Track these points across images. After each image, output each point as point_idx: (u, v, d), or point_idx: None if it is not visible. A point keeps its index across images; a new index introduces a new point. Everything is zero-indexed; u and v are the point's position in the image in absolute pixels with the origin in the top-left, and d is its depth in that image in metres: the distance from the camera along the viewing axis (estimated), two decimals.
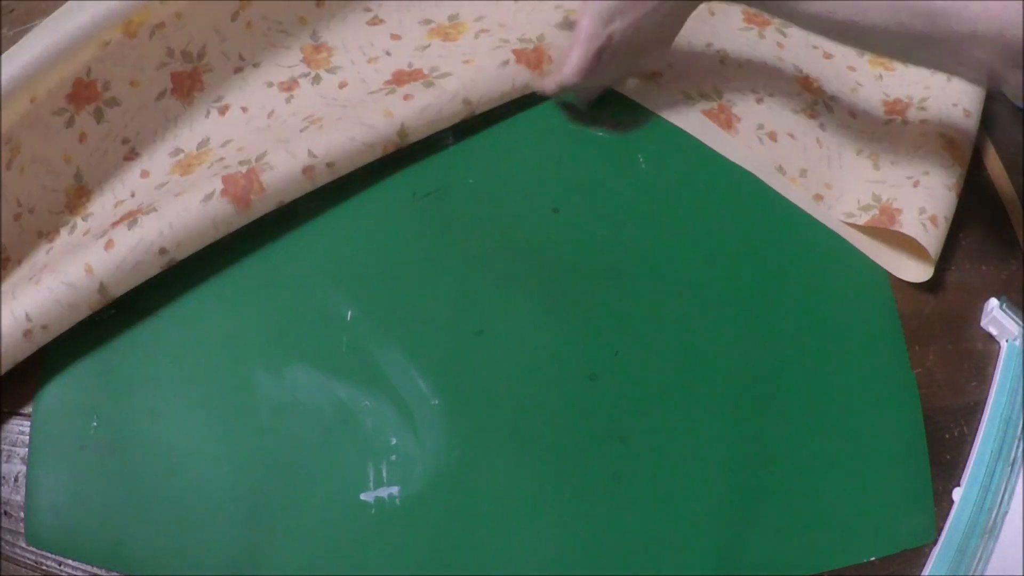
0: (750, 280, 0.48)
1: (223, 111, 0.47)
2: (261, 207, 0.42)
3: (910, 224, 0.48)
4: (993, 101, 0.56)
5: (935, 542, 0.40)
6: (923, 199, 0.49)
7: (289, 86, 0.48)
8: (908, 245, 0.49)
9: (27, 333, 0.38)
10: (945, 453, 0.45)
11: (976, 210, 0.53)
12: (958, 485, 0.43)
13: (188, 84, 0.46)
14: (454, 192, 0.47)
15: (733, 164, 0.51)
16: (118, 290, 0.40)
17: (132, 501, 0.39)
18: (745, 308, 0.47)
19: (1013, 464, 0.43)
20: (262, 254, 0.46)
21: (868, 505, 0.42)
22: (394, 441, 0.41)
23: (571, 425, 0.43)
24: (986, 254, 0.52)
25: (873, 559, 0.39)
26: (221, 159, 0.44)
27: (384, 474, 0.40)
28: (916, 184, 0.50)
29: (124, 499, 0.39)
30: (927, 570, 0.40)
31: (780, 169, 0.51)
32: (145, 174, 0.45)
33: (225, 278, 0.45)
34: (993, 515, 0.40)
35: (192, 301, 0.44)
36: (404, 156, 0.48)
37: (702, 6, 0.47)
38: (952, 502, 0.43)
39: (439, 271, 0.45)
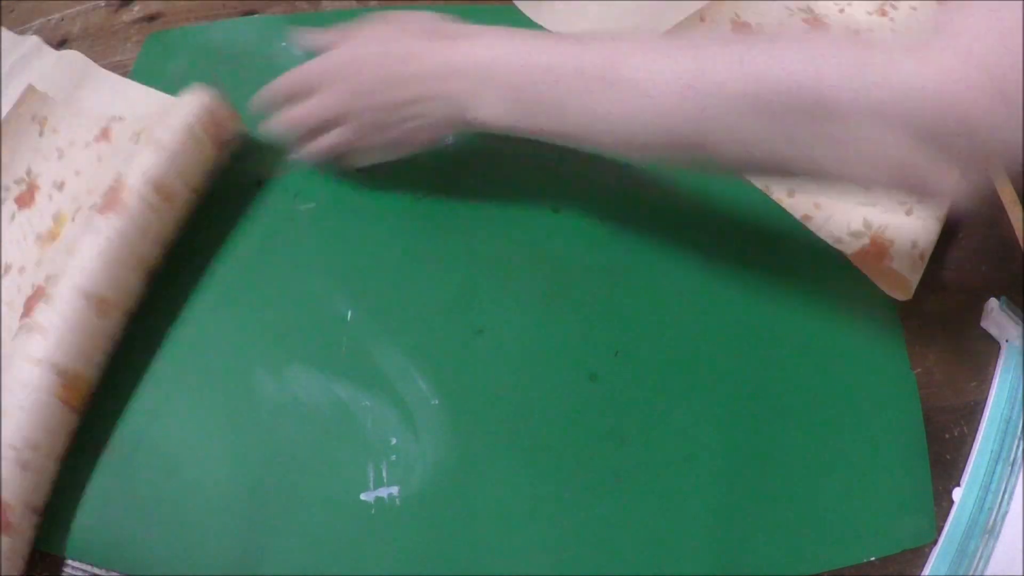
0: (750, 279, 0.48)
1: (60, 186, 0.47)
2: (134, 198, 0.41)
3: (902, 260, 0.47)
4: None
5: (935, 542, 0.40)
6: (915, 230, 0.48)
7: (104, 135, 0.48)
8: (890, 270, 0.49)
9: (24, 464, 0.36)
10: (945, 453, 0.45)
11: (976, 210, 0.53)
12: (958, 485, 0.43)
13: (28, 195, 0.47)
14: (454, 192, 0.47)
15: None
16: (69, 360, 0.38)
17: (132, 501, 0.39)
18: (745, 307, 0.47)
19: (1013, 464, 0.43)
20: (262, 254, 0.46)
21: (868, 505, 0.42)
22: (394, 441, 0.41)
23: (571, 425, 0.43)
24: (986, 254, 0.52)
25: (873, 559, 0.39)
26: (79, 209, 0.44)
27: (384, 474, 0.40)
28: (909, 212, 0.49)
29: (124, 499, 0.39)
30: (927, 570, 0.40)
31: (767, 190, 0.50)
32: (22, 270, 0.44)
33: (225, 278, 0.45)
34: (993, 515, 0.40)
35: (192, 301, 0.44)
36: (404, 156, 0.48)
37: (696, 8, 0.46)
38: (952, 502, 0.42)
39: (439, 271, 0.45)
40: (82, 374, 0.39)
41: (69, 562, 0.39)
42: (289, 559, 0.38)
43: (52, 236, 0.45)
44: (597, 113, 0.37)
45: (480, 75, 0.39)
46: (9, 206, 0.47)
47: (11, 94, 0.52)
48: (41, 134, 0.49)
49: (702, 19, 0.55)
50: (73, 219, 0.44)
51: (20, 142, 0.49)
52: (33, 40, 0.55)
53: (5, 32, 0.55)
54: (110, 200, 0.41)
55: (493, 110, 0.39)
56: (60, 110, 0.50)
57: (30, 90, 0.50)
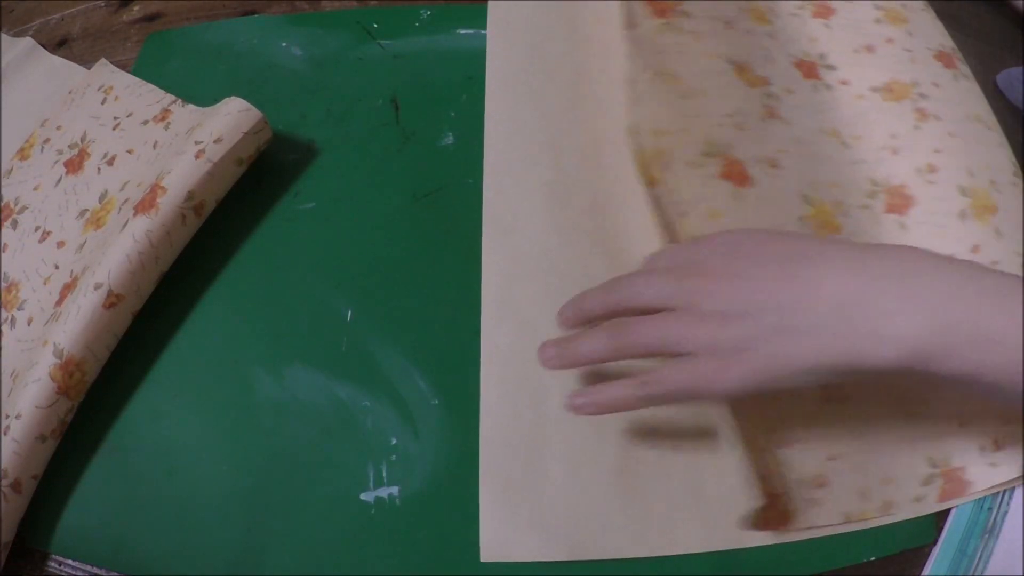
0: None
1: (111, 162, 0.47)
2: (169, 204, 0.42)
3: (982, 477, 0.40)
4: (992, 100, 0.56)
5: (935, 542, 0.40)
6: (977, 433, 0.40)
7: (163, 116, 0.48)
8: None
9: (4, 430, 0.38)
10: None
11: None
12: None
13: (78, 161, 0.48)
14: (454, 192, 0.47)
15: None
16: (68, 343, 0.39)
17: (132, 501, 0.39)
18: None
19: None
20: (262, 254, 0.46)
21: None
22: (394, 441, 0.41)
23: None
24: None
25: (873, 559, 0.39)
26: (126, 200, 0.45)
27: (384, 474, 0.40)
28: (963, 423, 0.40)
29: (124, 499, 0.39)
30: (927, 570, 0.40)
31: (847, 516, 0.39)
32: (61, 244, 0.45)
33: (225, 278, 0.45)
34: (993, 515, 0.40)
35: (192, 301, 0.44)
36: (404, 156, 0.49)
37: None
38: None
39: (439, 271, 0.45)
40: (78, 361, 0.39)
41: (69, 561, 0.39)
42: (289, 559, 0.38)
43: (96, 220, 0.45)
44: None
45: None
46: (58, 169, 0.48)
47: (7, 96, 0.53)
48: (104, 102, 0.50)
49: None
50: (119, 210, 0.44)
51: (82, 108, 0.50)
52: (28, 42, 0.55)
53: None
54: (147, 201, 0.42)
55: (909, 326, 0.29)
56: (127, 79, 0.51)
57: (101, 62, 0.52)
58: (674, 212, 0.43)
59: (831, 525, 0.39)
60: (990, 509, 0.41)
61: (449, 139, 0.49)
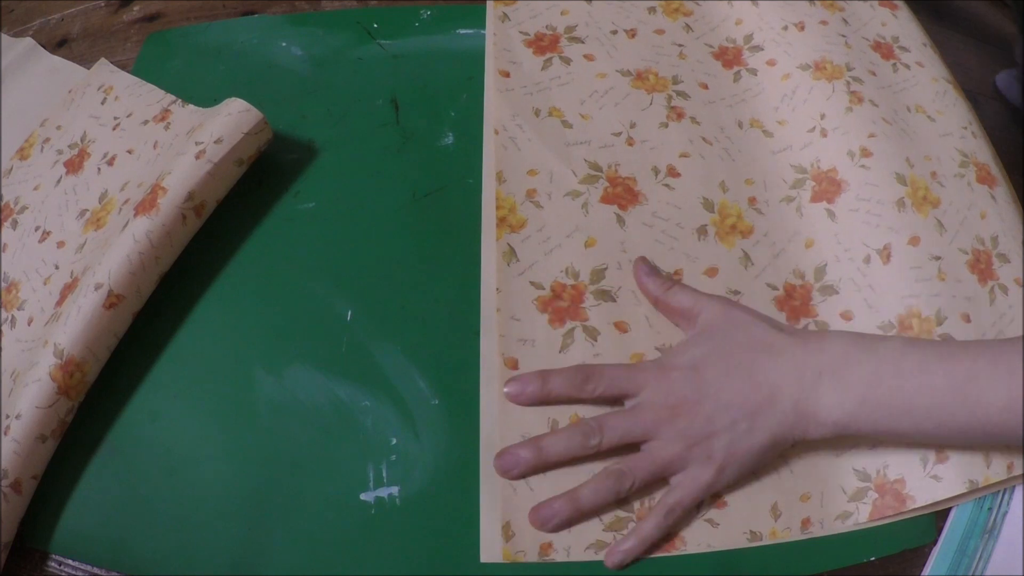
0: None
1: (111, 162, 0.47)
2: (169, 205, 0.42)
3: (921, 490, 0.38)
4: (992, 100, 0.56)
5: (935, 542, 0.40)
6: (919, 442, 0.39)
7: (163, 116, 0.48)
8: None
9: (4, 430, 0.38)
10: None
11: None
12: None
13: (78, 161, 0.48)
14: (454, 192, 0.47)
15: None
16: (68, 343, 0.39)
17: (132, 501, 0.39)
18: None
19: None
20: (262, 254, 0.46)
21: None
22: (394, 441, 0.41)
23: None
24: None
25: (873, 559, 0.39)
26: (127, 200, 0.45)
27: (384, 474, 0.40)
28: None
29: (124, 499, 0.39)
30: (927, 570, 0.40)
31: (752, 535, 0.39)
32: (61, 244, 0.45)
33: (225, 278, 0.45)
34: (993, 515, 0.40)
35: (192, 301, 0.44)
36: (404, 156, 0.49)
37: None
38: None
39: (439, 271, 0.45)
40: (79, 361, 0.39)
41: (69, 561, 0.39)
42: (289, 559, 0.38)
43: (96, 220, 0.45)
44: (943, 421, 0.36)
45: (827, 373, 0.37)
46: (58, 169, 0.48)
47: (7, 96, 0.53)
48: (104, 102, 0.50)
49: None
50: (120, 211, 0.44)
51: (82, 108, 0.50)
52: (28, 42, 0.55)
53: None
54: (148, 201, 0.42)
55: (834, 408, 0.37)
56: (127, 80, 0.51)
57: (101, 62, 0.52)
58: (541, 250, 0.43)
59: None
60: (990, 509, 0.41)
61: (449, 139, 0.49)
